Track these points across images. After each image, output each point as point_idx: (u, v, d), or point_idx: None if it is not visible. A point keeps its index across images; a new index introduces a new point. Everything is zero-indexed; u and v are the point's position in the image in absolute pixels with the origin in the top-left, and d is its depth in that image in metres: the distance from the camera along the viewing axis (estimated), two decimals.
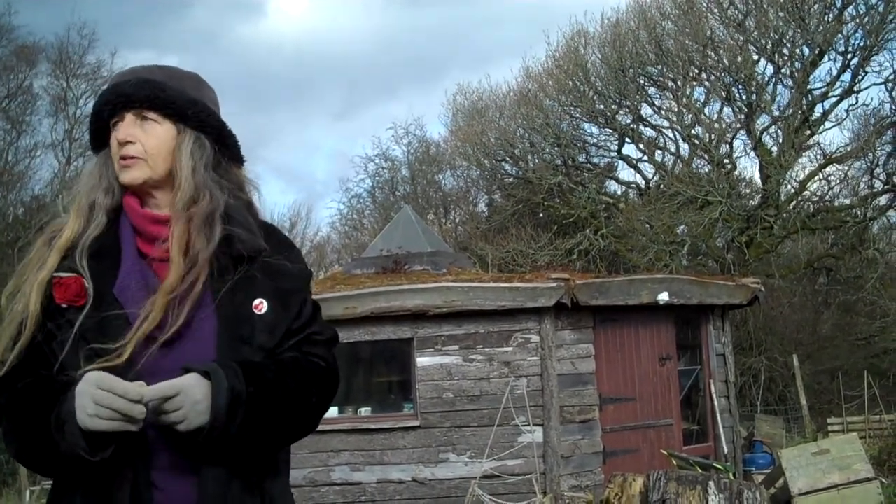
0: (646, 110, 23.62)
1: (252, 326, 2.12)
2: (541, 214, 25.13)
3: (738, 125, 22.37)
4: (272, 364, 2.10)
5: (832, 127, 23.00)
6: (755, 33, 21.40)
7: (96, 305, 2.03)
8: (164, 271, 2.09)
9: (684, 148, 23.33)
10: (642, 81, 23.01)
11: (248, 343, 2.10)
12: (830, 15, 20.79)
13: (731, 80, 21.67)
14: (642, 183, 24.86)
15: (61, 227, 2.14)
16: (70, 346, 1.99)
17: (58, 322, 2.02)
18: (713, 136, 22.18)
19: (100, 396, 1.87)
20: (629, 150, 24.56)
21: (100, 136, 2.23)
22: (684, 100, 22.20)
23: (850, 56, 20.98)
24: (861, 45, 20.69)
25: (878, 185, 21.66)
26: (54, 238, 2.12)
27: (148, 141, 2.14)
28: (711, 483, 7.80)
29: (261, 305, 2.14)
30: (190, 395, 1.95)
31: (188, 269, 2.09)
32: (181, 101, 2.18)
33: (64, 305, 2.03)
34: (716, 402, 11.67)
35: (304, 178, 53.65)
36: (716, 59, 21.77)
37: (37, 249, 2.13)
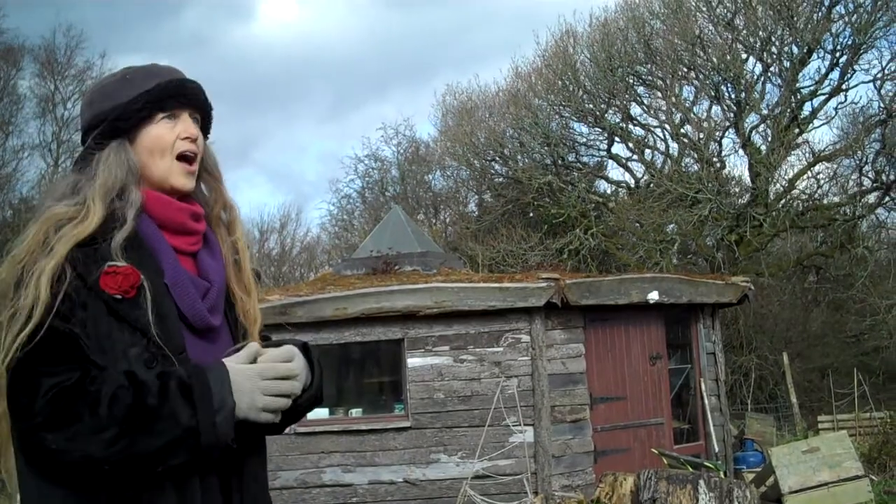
0: (635, 109, 23.68)
1: (248, 323, 2.26)
2: (531, 214, 25.13)
3: (727, 123, 22.41)
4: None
5: (821, 125, 23.05)
6: (744, 32, 21.44)
7: (152, 298, 2.01)
8: (185, 264, 2.14)
9: (673, 146, 23.37)
10: (631, 80, 23.03)
11: (251, 333, 2.24)
12: (819, 13, 20.84)
13: (720, 78, 21.69)
14: (632, 182, 24.90)
15: (68, 214, 2.04)
16: (126, 337, 1.97)
17: (95, 312, 1.96)
18: (702, 135, 22.20)
19: (268, 387, 1.99)
20: (619, 149, 24.61)
21: (124, 125, 2.16)
22: (673, 98, 22.22)
23: (838, 54, 21.03)
24: (849, 43, 20.73)
25: (866, 182, 21.70)
26: (62, 225, 2.02)
27: (200, 143, 2.22)
28: (702, 482, 7.81)
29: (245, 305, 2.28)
30: (300, 361, 2.14)
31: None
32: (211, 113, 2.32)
33: (118, 297, 1.97)
34: (706, 401, 11.68)
35: (293, 180, 53.63)
36: (704, 57, 21.79)
37: (34, 234, 2.02)
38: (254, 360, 2.04)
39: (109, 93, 2.18)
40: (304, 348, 2.23)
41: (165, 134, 2.16)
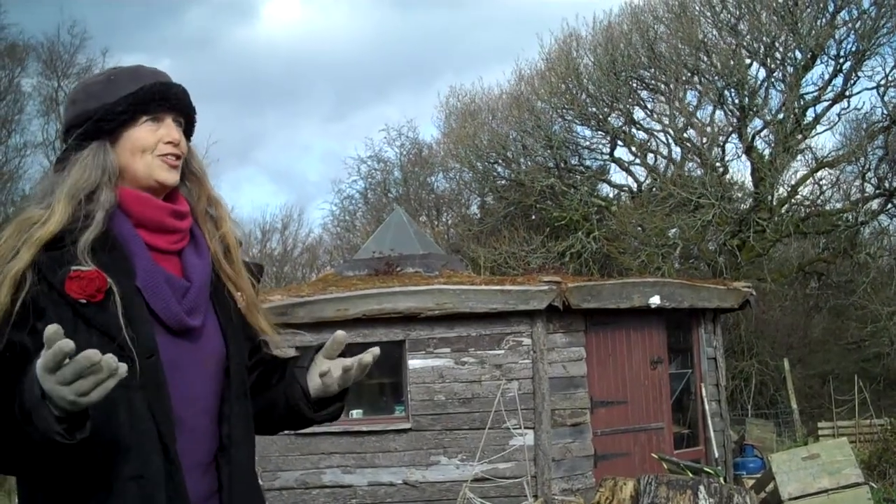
0: (638, 113, 23.65)
1: (240, 318, 2.25)
2: (533, 217, 25.12)
3: (731, 128, 22.39)
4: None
5: (824, 131, 23.09)
6: (748, 37, 21.43)
7: (121, 301, 1.98)
8: (165, 263, 2.12)
9: (676, 151, 23.36)
10: (634, 84, 23.03)
11: (242, 334, 2.24)
12: (823, 19, 20.83)
13: (724, 83, 21.68)
14: (634, 186, 24.88)
15: (36, 217, 2.03)
16: (94, 342, 1.90)
17: (62, 317, 1.91)
18: (705, 140, 22.20)
19: (68, 372, 1.70)
20: (621, 152, 24.61)
21: (106, 127, 2.15)
22: (676, 103, 22.21)
23: (842, 60, 21.03)
24: (853, 49, 20.73)
25: (869, 189, 21.68)
26: (31, 228, 2.01)
27: (182, 146, 2.21)
28: (702, 487, 7.80)
29: (241, 297, 2.27)
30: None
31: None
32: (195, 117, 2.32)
33: (83, 301, 1.95)
34: (707, 406, 11.68)
35: (296, 180, 53.62)
36: (708, 62, 21.79)
37: (6, 238, 2.01)
38: None
39: (94, 93, 2.18)
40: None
41: (148, 136, 2.15)
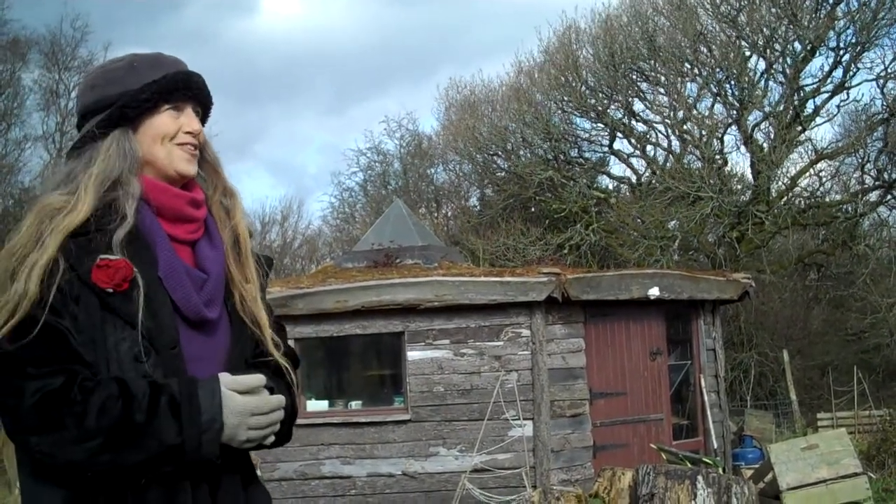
0: (637, 105, 23.61)
1: (248, 311, 2.22)
2: (532, 209, 25.11)
3: (730, 121, 22.38)
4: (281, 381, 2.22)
5: (823, 123, 23.03)
6: (747, 29, 21.40)
7: (145, 291, 1.99)
8: (181, 254, 2.12)
9: (676, 143, 23.34)
10: (634, 77, 23.00)
11: (248, 329, 2.21)
12: (822, 11, 20.80)
13: (723, 75, 21.67)
14: (634, 178, 24.87)
15: (59, 204, 2.03)
16: (118, 331, 1.96)
17: (87, 305, 1.95)
18: (704, 132, 22.18)
19: (256, 422, 2.01)
20: (621, 145, 24.57)
21: (130, 114, 2.15)
22: (676, 95, 22.19)
23: (841, 52, 21.01)
24: (853, 41, 20.71)
25: (868, 181, 21.69)
26: (54, 216, 2.00)
27: (202, 136, 2.23)
28: (700, 478, 7.83)
29: (251, 289, 2.24)
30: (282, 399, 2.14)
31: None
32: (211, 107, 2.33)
33: (109, 290, 1.96)
34: (706, 397, 11.70)
35: (295, 172, 53.60)
36: (708, 54, 21.76)
37: (28, 226, 2.00)
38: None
39: (116, 78, 2.17)
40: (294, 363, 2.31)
41: (170, 124, 2.16)
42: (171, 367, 1.99)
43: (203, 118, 2.28)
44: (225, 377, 2.00)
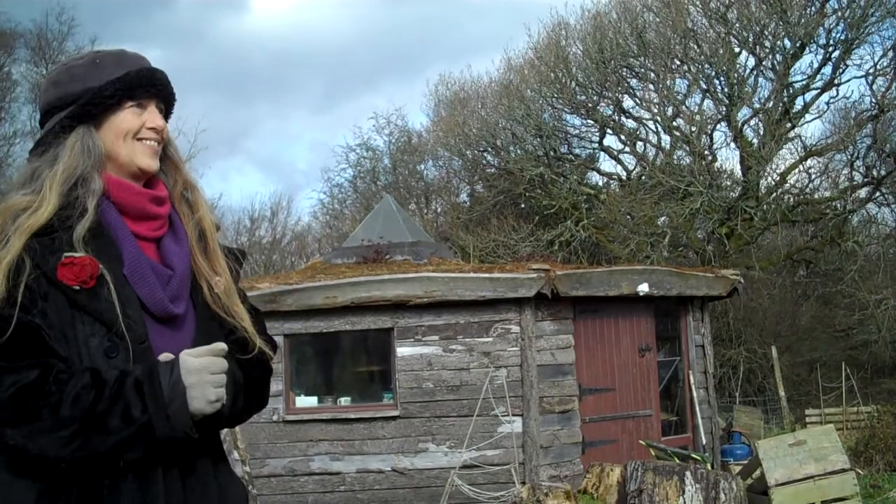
0: (627, 102, 23.68)
1: (216, 305, 2.21)
2: (522, 205, 25.13)
3: (719, 117, 22.43)
4: (244, 361, 2.20)
5: (813, 119, 23.17)
6: (737, 25, 21.45)
7: (112, 287, 2.00)
8: (145, 250, 2.12)
9: (665, 139, 23.39)
10: (624, 73, 23.03)
11: (215, 322, 2.20)
12: (812, 8, 20.87)
13: (713, 71, 21.71)
14: (623, 174, 24.91)
15: (23, 204, 2.03)
16: (87, 328, 1.97)
17: (55, 302, 1.96)
18: (694, 128, 22.22)
19: (215, 380, 2.00)
20: (610, 141, 24.65)
21: (93, 111, 2.14)
22: (665, 91, 22.22)
23: (831, 49, 21.08)
24: (842, 38, 20.77)
25: (857, 177, 21.79)
26: (18, 216, 2.00)
27: (165, 133, 2.23)
28: (688, 473, 7.85)
29: (220, 282, 2.22)
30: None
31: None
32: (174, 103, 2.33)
33: (76, 287, 1.96)
34: (695, 394, 11.73)
35: (285, 169, 53.50)
36: (697, 51, 21.80)
37: None
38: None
39: (78, 75, 2.17)
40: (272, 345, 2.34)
41: (133, 120, 2.16)
42: (141, 361, 1.99)
43: (166, 115, 2.28)
44: (183, 353, 2.01)
